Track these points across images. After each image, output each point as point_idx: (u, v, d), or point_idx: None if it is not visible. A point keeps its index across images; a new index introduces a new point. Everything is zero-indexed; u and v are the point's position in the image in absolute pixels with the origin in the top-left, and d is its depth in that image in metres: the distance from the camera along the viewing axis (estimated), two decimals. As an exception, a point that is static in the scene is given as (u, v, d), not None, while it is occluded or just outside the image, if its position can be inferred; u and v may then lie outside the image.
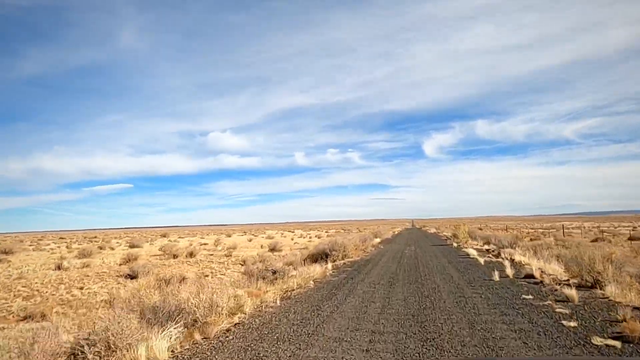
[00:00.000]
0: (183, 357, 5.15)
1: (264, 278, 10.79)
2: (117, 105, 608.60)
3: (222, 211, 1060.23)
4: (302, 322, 6.62)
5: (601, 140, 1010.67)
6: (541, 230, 57.42)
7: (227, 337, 5.94)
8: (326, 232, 72.65)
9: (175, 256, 27.73)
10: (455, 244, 26.37)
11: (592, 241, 29.93)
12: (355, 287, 10.02)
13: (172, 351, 5.34)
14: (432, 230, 64.53)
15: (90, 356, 4.66)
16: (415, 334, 5.75)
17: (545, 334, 5.52)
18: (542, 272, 11.06)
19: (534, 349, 4.90)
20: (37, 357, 4.85)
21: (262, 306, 7.98)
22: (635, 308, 6.60)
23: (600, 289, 8.32)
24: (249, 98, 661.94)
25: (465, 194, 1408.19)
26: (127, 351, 4.78)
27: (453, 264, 14.87)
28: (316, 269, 12.69)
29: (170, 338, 5.43)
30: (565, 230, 52.12)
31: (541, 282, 9.88)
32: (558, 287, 8.90)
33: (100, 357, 4.68)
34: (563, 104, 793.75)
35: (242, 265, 21.11)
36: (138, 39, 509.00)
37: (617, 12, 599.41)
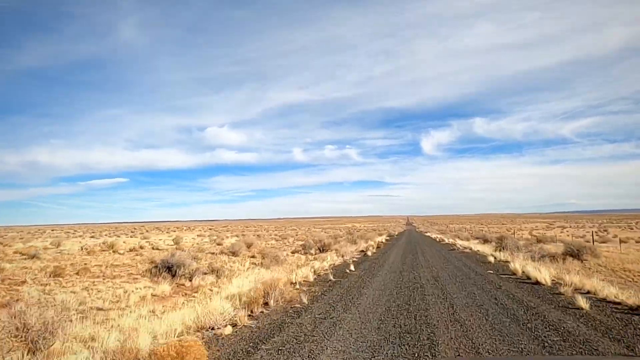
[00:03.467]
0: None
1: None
2: (115, 99, 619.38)
3: (218, 206, 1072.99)
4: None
5: (596, 140, 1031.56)
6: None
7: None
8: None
9: None
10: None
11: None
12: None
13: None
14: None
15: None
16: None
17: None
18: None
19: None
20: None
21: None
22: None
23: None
24: (247, 93, 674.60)
25: (462, 192, 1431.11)
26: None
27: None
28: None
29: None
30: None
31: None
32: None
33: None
34: (559, 103, 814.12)
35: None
36: (138, 33, 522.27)
37: (614, 12, 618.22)
